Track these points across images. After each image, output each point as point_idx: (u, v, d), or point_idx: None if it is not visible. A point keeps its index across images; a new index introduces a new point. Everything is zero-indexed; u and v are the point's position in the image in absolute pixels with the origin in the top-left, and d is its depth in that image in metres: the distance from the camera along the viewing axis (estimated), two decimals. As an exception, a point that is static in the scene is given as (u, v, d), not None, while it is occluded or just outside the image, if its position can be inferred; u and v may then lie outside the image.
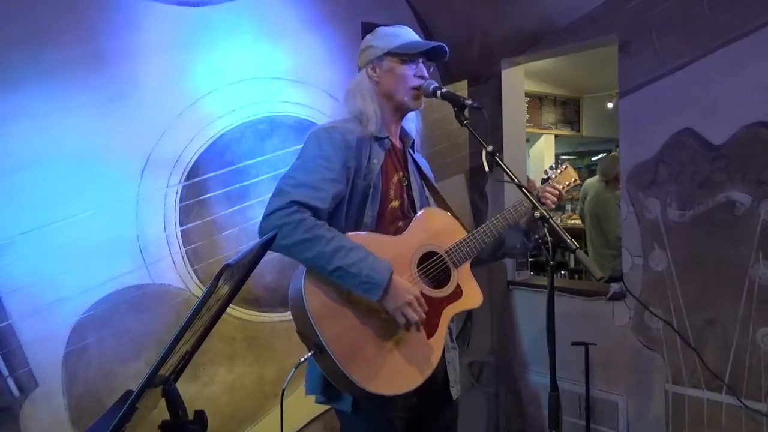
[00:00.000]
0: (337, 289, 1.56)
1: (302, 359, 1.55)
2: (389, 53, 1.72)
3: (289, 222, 1.52)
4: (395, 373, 1.57)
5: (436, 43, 1.74)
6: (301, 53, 2.65)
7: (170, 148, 2.32)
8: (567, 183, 1.92)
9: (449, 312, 1.67)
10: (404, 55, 1.72)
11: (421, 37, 1.80)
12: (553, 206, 1.82)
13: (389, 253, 1.60)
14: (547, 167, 1.97)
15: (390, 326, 1.59)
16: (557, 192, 1.84)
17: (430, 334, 1.63)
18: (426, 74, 1.74)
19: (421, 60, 1.74)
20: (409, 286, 1.58)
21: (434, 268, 1.68)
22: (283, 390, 1.55)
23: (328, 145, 1.63)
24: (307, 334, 1.55)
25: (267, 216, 1.55)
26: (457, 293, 1.69)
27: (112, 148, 2.18)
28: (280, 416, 1.61)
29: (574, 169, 1.98)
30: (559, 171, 1.93)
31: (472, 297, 1.72)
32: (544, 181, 1.90)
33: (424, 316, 1.56)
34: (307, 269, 1.56)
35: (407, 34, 1.76)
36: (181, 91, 2.36)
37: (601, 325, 2.88)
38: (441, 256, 1.68)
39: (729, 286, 2.47)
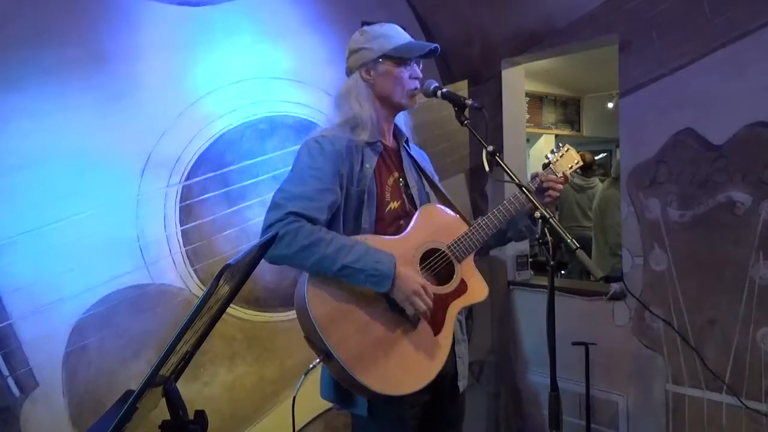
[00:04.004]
0: (339, 294, 1.56)
1: (311, 366, 1.58)
2: (385, 56, 1.71)
3: (288, 231, 1.53)
4: (404, 373, 1.56)
5: (430, 46, 1.74)
6: (301, 53, 2.65)
7: (170, 148, 2.32)
8: (569, 166, 1.83)
9: (455, 307, 1.67)
10: (400, 58, 1.71)
11: (413, 37, 1.79)
12: (557, 194, 1.76)
13: None
14: (548, 152, 1.87)
15: (395, 326, 1.59)
16: (559, 178, 1.77)
17: (437, 330, 1.63)
18: (420, 74, 1.75)
19: (414, 61, 1.74)
20: (413, 274, 1.58)
21: (437, 264, 1.68)
22: (294, 398, 1.56)
23: (318, 155, 1.64)
24: (313, 340, 1.55)
25: (265, 230, 1.57)
26: (462, 288, 1.68)
27: (112, 148, 2.18)
28: (292, 424, 1.59)
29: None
30: (560, 154, 1.83)
31: (478, 290, 1.71)
32: (545, 166, 1.82)
33: (431, 304, 1.57)
34: (309, 275, 1.56)
35: (398, 35, 1.75)
36: (181, 91, 2.35)
37: (602, 325, 2.88)
38: (443, 252, 1.68)
39: (729, 286, 2.47)
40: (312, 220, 1.58)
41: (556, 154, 1.84)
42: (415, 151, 1.89)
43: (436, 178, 1.91)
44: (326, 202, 1.61)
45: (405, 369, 1.57)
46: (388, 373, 1.55)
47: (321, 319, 1.52)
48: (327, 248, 1.53)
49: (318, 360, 1.56)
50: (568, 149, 1.85)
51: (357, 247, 1.55)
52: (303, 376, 1.56)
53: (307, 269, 1.56)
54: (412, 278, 1.56)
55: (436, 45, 1.74)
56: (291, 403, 1.55)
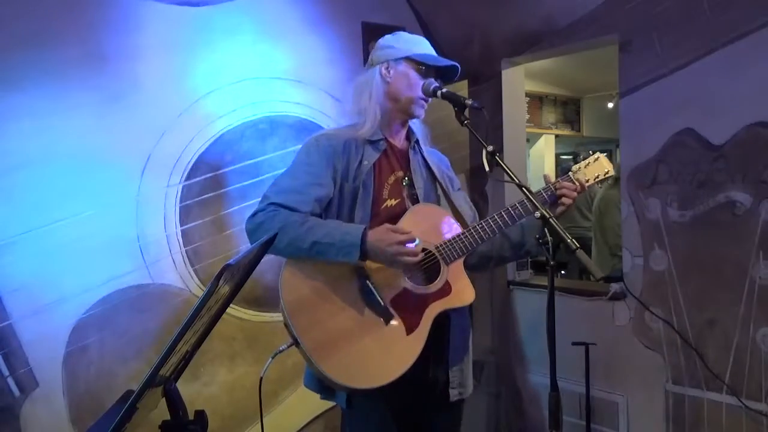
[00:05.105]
0: (314, 281, 1.60)
1: (279, 349, 1.61)
2: (409, 58, 1.73)
3: (266, 218, 1.60)
4: (366, 367, 1.57)
5: (454, 63, 1.76)
6: (301, 53, 2.65)
7: (170, 148, 2.32)
8: (596, 175, 1.73)
9: (435, 309, 1.65)
10: (423, 64, 1.74)
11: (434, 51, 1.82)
12: (571, 202, 1.67)
13: None
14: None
15: (366, 319, 1.60)
16: (575, 186, 1.69)
17: (410, 329, 1.62)
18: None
19: (432, 77, 1.75)
20: (391, 235, 1.55)
21: (423, 263, 1.67)
22: (261, 378, 1.61)
23: (314, 151, 1.69)
24: (286, 325, 1.60)
25: (249, 218, 1.64)
26: (446, 290, 1.66)
27: (112, 148, 2.18)
28: (259, 406, 1.65)
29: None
30: (586, 163, 1.74)
31: (462, 295, 1.68)
32: (565, 172, 1.74)
33: (418, 254, 1.57)
34: (286, 262, 1.61)
35: (427, 46, 1.79)
36: (181, 91, 2.35)
37: (602, 325, 2.88)
38: (431, 252, 1.67)
39: (729, 286, 2.47)
40: (294, 211, 1.62)
41: (582, 162, 1.76)
42: (433, 155, 1.88)
43: (455, 184, 1.89)
44: (313, 195, 1.65)
45: (367, 363, 1.58)
46: (349, 364, 1.56)
47: (291, 304, 1.57)
48: (299, 228, 1.57)
49: (287, 345, 1.60)
50: (598, 158, 1.76)
51: (327, 224, 1.60)
52: (270, 359, 1.60)
53: (282, 252, 1.60)
54: (385, 241, 1.54)
55: (457, 65, 1.76)
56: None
